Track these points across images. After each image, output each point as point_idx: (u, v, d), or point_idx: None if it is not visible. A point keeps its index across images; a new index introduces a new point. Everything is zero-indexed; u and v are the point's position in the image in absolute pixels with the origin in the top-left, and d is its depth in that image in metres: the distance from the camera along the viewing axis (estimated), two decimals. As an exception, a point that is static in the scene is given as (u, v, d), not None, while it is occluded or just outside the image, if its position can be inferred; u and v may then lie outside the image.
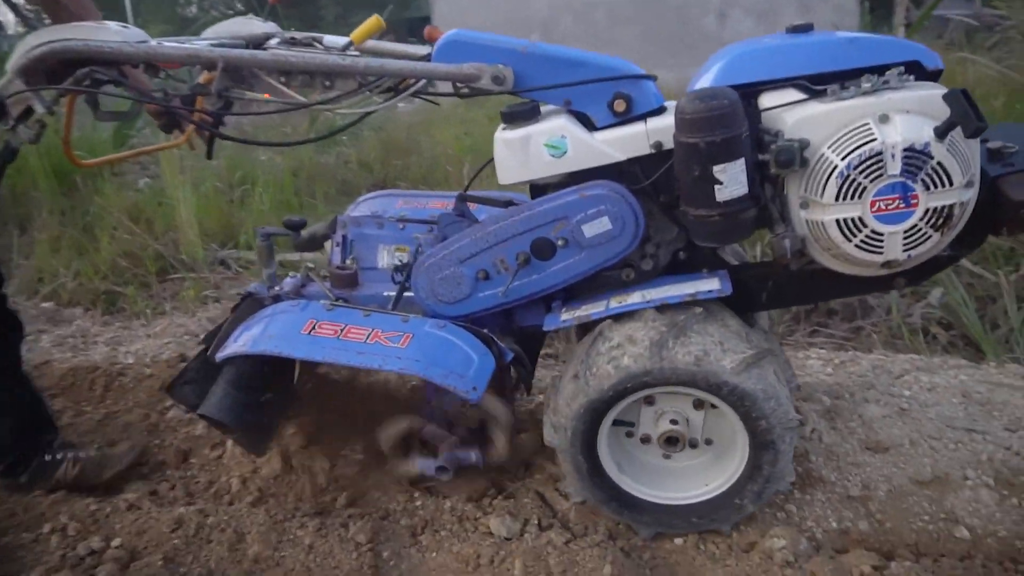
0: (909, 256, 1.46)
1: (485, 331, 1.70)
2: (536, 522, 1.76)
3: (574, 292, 1.78)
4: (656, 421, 1.68)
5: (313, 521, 1.80)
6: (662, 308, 1.59)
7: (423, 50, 1.83)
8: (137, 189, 4.59)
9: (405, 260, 2.13)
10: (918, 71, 1.46)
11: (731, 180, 1.43)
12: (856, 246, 1.45)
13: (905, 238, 1.44)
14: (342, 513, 1.87)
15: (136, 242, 3.84)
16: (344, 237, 2.16)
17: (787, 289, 1.71)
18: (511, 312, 1.84)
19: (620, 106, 1.60)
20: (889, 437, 1.95)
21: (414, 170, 4.59)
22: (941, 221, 1.42)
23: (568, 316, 1.70)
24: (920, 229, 1.43)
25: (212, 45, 1.66)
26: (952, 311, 2.80)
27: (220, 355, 1.68)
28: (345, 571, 1.68)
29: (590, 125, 1.65)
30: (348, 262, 2.13)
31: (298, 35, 2.02)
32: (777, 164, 1.43)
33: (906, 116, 1.39)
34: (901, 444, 1.92)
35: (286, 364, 1.93)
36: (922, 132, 1.37)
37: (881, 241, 1.44)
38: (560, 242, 1.66)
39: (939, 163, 1.37)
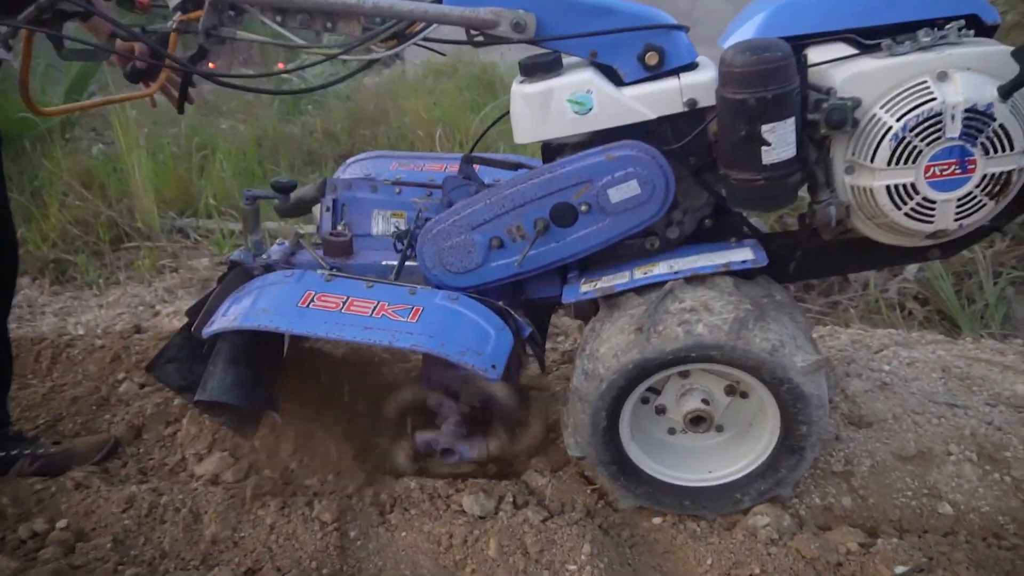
0: (960, 226, 1.38)
1: (501, 304, 1.57)
2: (511, 500, 1.65)
3: (590, 261, 1.65)
4: (681, 396, 1.58)
5: (275, 500, 1.66)
6: (738, 283, 1.48)
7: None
8: (91, 156, 4.28)
9: (403, 226, 1.98)
10: (976, 25, 1.37)
11: (779, 141, 1.32)
12: (905, 214, 1.37)
13: (959, 206, 1.35)
14: (307, 491, 1.74)
15: (88, 209, 3.57)
16: (335, 201, 2.00)
17: (817, 260, 1.62)
18: (521, 283, 1.71)
19: (652, 59, 1.47)
20: (872, 412, 1.90)
21: (382, 140, 4.39)
22: (998, 188, 1.34)
23: (589, 287, 1.58)
24: (975, 197, 1.34)
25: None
26: (929, 286, 2.78)
27: (207, 331, 1.51)
28: (309, 552, 1.56)
29: (616, 80, 1.51)
30: (340, 228, 1.97)
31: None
32: (828, 124, 1.33)
33: (967, 74, 1.30)
34: (884, 419, 1.87)
35: (277, 338, 1.77)
36: (985, 92, 1.28)
37: (933, 209, 1.36)
38: (583, 207, 1.53)
39: (1001, 125, 1.29)
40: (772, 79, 1.28)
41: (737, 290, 1.48)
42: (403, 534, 1.60)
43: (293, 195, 1.93)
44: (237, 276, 1.67)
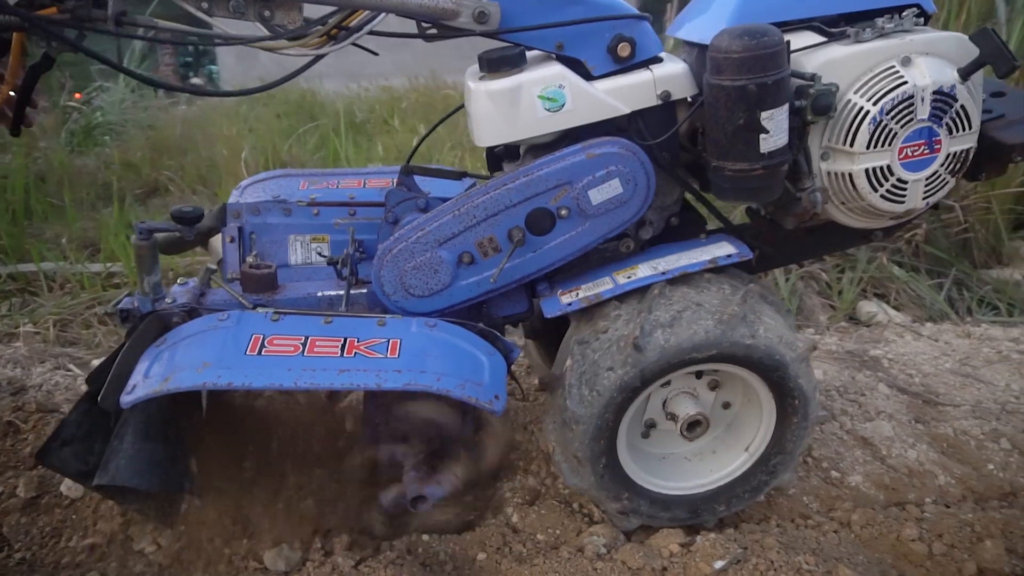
0: (927, 204, 1.43)
1: (481, 325, 1.40)
2: (320, 546, 1.51)
3: (559, 270, 1.53)
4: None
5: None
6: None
7: None
8: None
9: (326, 251, 1.74)
10: (920, 14, 1.43)
11: (776, 128, 1.29)
12: (881, 196, 1.39)
13: (926, 185, 1.40)
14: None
15: None
16: (240, 229, 1.71)
17: (780, 249, 1.62)
18: (482, 302, 1.55)
19: (624, 50, 1.39)
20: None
21: (190, 170, 3.96)
22: (958, 166, 1.41)
23: (571, 298, 1.46)
24: (940, 175, 1.40)
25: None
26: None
27: (127, 399, 1.19)
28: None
29: (584, 73, 1.41)
30: (251, 259, 1.68)
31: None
32: (814, 110, 1.32)
33: (928, 58, 1.35)
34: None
35: (195, 399, 1.47)
36: (947, 74, 1.34)
37: (904, 190, 1.40)
38: (562, 212, 1.41)
39: (962, 106, 1.35)
40: (771, 64, 1.24)
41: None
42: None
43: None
44: (150, 327, 1.34)
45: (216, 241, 1.75)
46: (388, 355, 1.27)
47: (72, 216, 3.22)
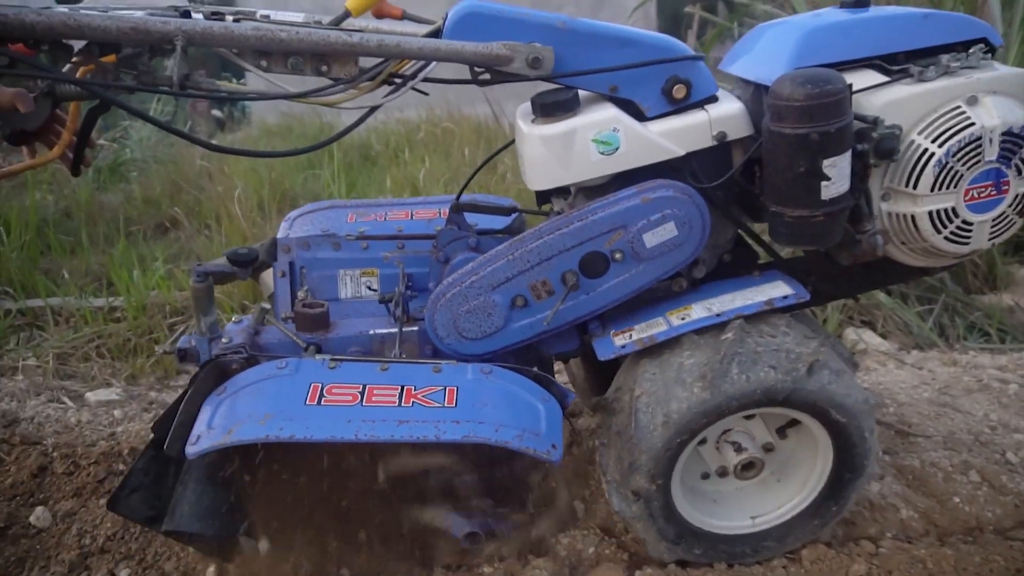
0: (993, 244, 1.39)
1: (536, 370, 1.40)
2: None
3: (611, 309, 1.52)
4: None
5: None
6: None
7: (412, 26, 1.46)
8: None
9: (375, 285, 1.75)
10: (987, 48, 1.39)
11: (839, 175, 1.26)
12: (945, 238, 1.36)
13: (993, 226, 1.37)
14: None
15: None
16: (291, 264, 1.73)
17: (833, 283, 1.59)
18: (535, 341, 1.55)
19: (680, 92, 1.37)
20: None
21: (206, 205, 3.99)
22: (1026, 206, 1.37)
23: (625, 340, 1.45)
24: (1007, 216, 1.36)
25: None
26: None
27: (193, 450, 1.22)
28: None
29: (637, 115, 1.40)
30: (302, 294, 1.70)
31: (222, 9, 1.54)
32: (877, 154, 1.29)
33: (995, 97, 1.31)
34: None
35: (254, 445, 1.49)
36: (1016, 114, 1.30)
37: (970, 231, 1.36)
38: (616, 255, 1.40)
39: (1032, 146, 1.31)
40: (834, 112, 1.21)
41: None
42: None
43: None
44: (210, 375, 1.37)
45: (267, 276, 1.77)
46: (446, 404, 1.27)
47: (86, 251, 3.27)
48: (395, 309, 1.55)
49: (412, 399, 1.28)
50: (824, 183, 1.26)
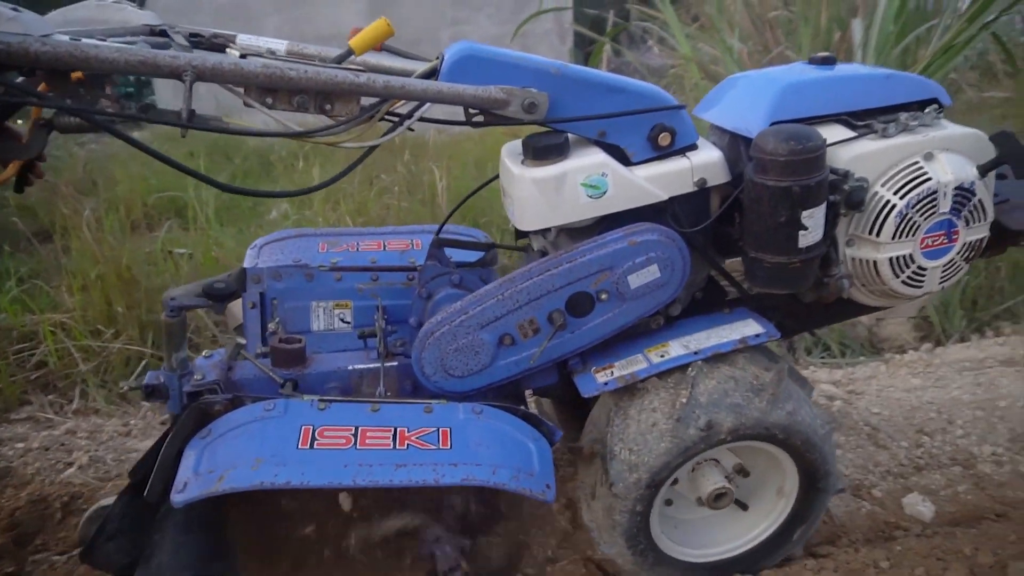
0: (943, 288, 1.51)
1: (524, 408, 1.42)
2: None
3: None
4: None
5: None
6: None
7: (412, 63, 1.46)
8: None
9: (348, 317, 1.73)
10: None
11: (814, 224, 1.34)
12: (903, 282, 1.47)
13: (943, 271, 1.48)
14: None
15: None
16: (262, 295, 1.68)
17: (796, 320, 1.69)
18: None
19: (665, 140, 1.43)
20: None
21: (72, 219, 3.79)
22: (972, 253, 1.49)
23: (607, 378, 1.49)
24: (955, 262, 1.48)
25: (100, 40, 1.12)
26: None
27: (181, 498, 1.17)
28: None
29: (623, 159, 1.45)
30: (272, 327, 1.66)
31: (202, 31, 1.50)
32: (848, 204, 1.38)
33: (948, 154, 1.42)
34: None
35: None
36: (967, 171, 1.41)
37: (924, 276, 1.47)
38: (602, 296, 1.44)
39: (979, 200, 1.43)
40: (814, 167, 1.30)
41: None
42: None
43: (194, 290, 1.57)
44: (191, 417, 1.32)
45: (235, 306, 1.72)
46: (440, 446, 1.28)
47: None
48: (377, 344, 1.54)
49: (406, 441, 1.27)
50: (802, 232, 1.34)
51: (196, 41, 1.47)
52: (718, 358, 1.48)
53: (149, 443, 2.18)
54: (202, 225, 3.24)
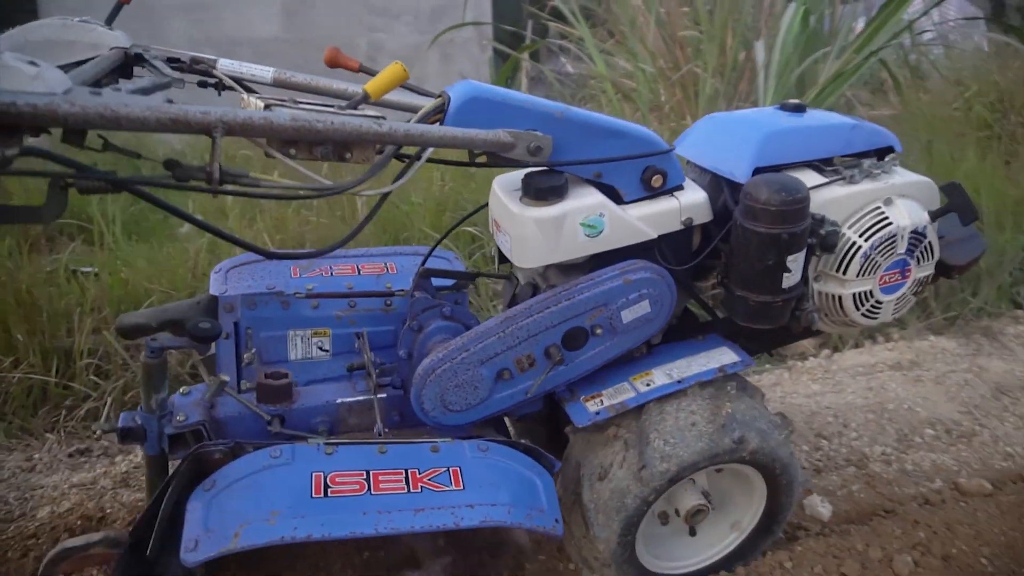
0: (895, 318, 1.67)
1: (525, 442, 1.45)
2: None
3: (575, 373, 1.61)
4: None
5: None
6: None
7: (415, 100, 1.44)
8: None
9: (326, 346, 1.70)
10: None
11: (796, 267, 1.45)
12: (863, 314, 1.60)
13: (896, 304, 1.63)
14: None
15: None
16: (236, 325, 1.62)
17: (757, 342, 1.80)
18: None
19: (657, 181, 1.49)
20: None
21: None
22: (921, 288, 1.65)
23: (598, 407, 1.54)
24: (906, 296, 1.64)
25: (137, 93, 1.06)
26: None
27: (195, 558, 1.13)
28: None
29: (615, 198, 1.50)
30: (247, 357, 1.61)
31: (181, 55, 1.42)
32: (823, 247, 1.49)
33: (905, 200, 1.56)
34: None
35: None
36: (921, 216, 1.56)
37: (880, 308, 1.61)
38: (596, 331, 1.49)
39: (929, 242, 1.58)
40: (801, 216, 1.39)
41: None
42: None
43: (159, 317, 1.50)
44: (191, 468, 1.26)
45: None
46: (453, 487, 1.29)
47: None
48: (367, 377, 1.53)
49: (419, 483, 1.28)
50: (786, 274, 1.44)
51: (176, 66, 1.39)
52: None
53: (56, 479, 2.07)
54: (109, 243, 2.97)
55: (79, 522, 1.85)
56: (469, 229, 3.07)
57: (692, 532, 1.65)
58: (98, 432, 1.43)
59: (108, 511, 1.88)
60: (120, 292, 2.68)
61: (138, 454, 2.16)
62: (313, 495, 1.22)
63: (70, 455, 2.23)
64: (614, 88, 4.32)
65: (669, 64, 4.33)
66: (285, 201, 3.19)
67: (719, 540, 1.71)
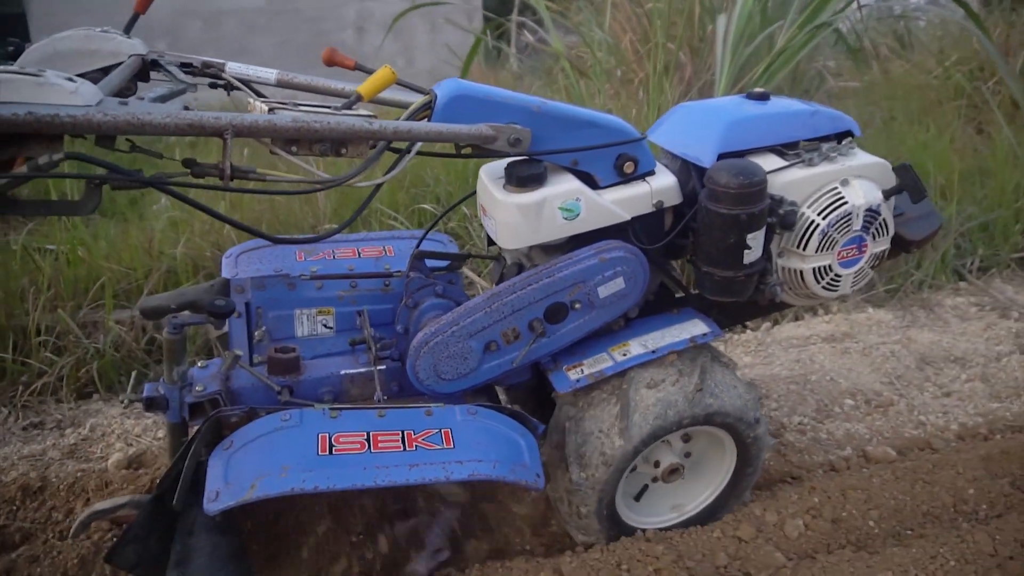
0: (852, 290, 1.80)
1: (513, 407, 1.60)
2: None
3: (558, 344, 1.76)
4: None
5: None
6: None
7: (407, 96, 1.57)
8: None
9: (330, 324, 1.85)
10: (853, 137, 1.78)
11: (757, 244, 1.58)
12: (823, 287, 1.74)
13: (854, 277, 1.76)
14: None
15: None
16: (247, 304, 1.77)
17: (728, 316, 1.94)
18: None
19: (629, 168, 1.62)
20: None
21: None
22: (878, 262, 1.78)
23: (578, 375, 1.69)
24: (863, 270, 1.77)
25: (123, 103, 1.20)
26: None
27: (216, 506, 1.29)
28: None
29: (592, 184, 1.63)
30: (258, 335, 1.76)
31: (193, 59, 1.56)
32: (782, 225, 1.63)
33: (861, 181, 1.69)
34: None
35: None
36: (875, 195, 1.69)
37: (839, 282, 1.75)
38: (575, 305, 1.63)
39: (883, 219, 1.71)
40: (759, 198, 1.53)
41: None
42: None
43: (177, 299, 1.65)
44: (210, 429, 1.42)
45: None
46: (444, 446, 1.44)
47: None
48: (368, 351, 1.68)
49: (414, 443, 1.43)
50: (747, 251, 1.57)
51: (188, 70, 1.53)
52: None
53: (8, 450, 2.20)
54: (69, 223, 3.01)
55: (19, 492, 1.97)
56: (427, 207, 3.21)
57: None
58: (125, 401, 1.58)
59: (52, 480, 2.01)
60: (76, 270, 2.75)
61: (86, 426, 2.35)
62: (319, 453, 1.37)
63: (24, 428, 2.37)
64: (575, 71, 4.39)
65: (638, 35, 4.39)
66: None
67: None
